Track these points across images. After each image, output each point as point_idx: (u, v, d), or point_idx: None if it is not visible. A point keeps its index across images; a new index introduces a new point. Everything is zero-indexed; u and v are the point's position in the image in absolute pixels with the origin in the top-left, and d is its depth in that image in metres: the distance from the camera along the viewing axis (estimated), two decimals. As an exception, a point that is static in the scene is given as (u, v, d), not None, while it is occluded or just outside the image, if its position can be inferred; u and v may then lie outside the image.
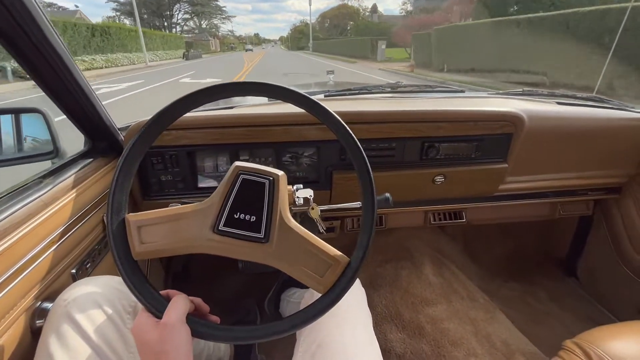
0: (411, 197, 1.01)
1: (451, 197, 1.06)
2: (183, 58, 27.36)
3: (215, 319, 0.49)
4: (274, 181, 0.44)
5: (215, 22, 70.11)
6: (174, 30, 51.07)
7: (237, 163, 0.45)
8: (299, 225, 0.45)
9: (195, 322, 0.43)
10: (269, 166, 0.47)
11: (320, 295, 0.45)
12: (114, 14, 49.86)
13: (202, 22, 64.84)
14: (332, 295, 0.44)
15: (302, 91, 0.49)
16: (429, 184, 0.97)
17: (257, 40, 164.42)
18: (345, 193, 0.94)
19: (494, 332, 1.04)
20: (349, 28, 52.80)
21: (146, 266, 0.99)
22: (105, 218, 0.74)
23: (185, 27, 57.08)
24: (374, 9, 55.00)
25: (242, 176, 0.44)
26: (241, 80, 0.48)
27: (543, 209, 1.28)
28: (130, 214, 0.44)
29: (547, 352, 1.01)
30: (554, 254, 1.57)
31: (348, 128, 0.49)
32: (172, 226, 0.44)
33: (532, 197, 1.15)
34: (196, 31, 60.14)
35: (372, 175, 0.48)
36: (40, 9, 0.52)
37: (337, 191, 0.93)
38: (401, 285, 1.19)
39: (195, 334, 0.42)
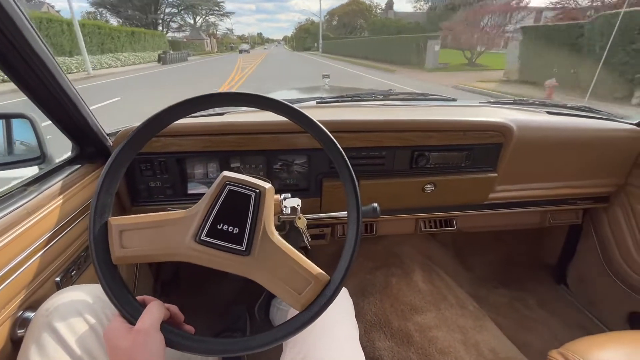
0: (401, 205, 1.02)
1: (441, 205, 1.06)
2: (159, 62, 21.41)
3: (189, 328, 0.48)
4: (260, 194, 0.44)
5: (212, 19, 60.93)
6: (161, 28, 41.56)
7: (225, 173, 0.45)
8: (282, 240, 0.45)
9: (169, 331, 0.43)
10: (259, 174, 0.47)
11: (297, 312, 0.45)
12: (94, 9, 38.79)
13: (196, 19, 55.19)
14: (309, 314, 0.43)
15: (286, 101, 0.49)
16: (419, 193, 0.97)
17: (260, 40, 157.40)
18: (335, 201, 0.94)
19: (482, 340, 1.04)
20: (358, 27, 48.29)
21: (134, 273, 0.98)
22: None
23: (173, 25, 46.34)
24: (390, 4, 47.21)
25: (228, 187, 0.44)
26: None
27: (533, 217, 1.29)
28: (113, 217, 0.44)
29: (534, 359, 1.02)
30: (544, 261, 1.58)
31: (334, 138, 0.49)
32: (154, 232, 0.44)
33: (522, 205, 1.16)
34: (185, 29, 50.38)
35: (358, 189, 0.48)
36: (21, 11, 0.52)
37: (327, 199, 0.93)
38: (391, 293, 1.19)
39: (168, 343, 0.42)
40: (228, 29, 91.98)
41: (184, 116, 0.48)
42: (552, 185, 1.12)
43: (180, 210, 0.45)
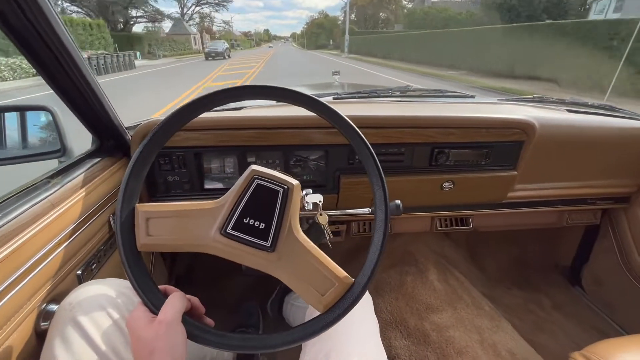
0: (418, 202, 1.00)
1: (459, 203, 1.05)
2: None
3: (209, 322, 0.48)
4: (288, 190, 0.43)
5: (205, 9, 47.11)
6: (121, 19, 27.74)
7: (254, 167, 0.44)
8: (307, 238, 0.44)
9: (190, 324, 0.42)
10: (276, 169, 0.46)
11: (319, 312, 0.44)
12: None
13: (183, 9, 40.93)
14: (331, 316, 0.42)
15: (314, 95, 0.48)
16: (436, 190, 0.96)
17: (267, 37, 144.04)
18: (352, 197, 0.93)
19: (499, 341, 1.03)
20: (381, 21, 39.98)
21: (150, 267, 0.98)
22: (111, 217, 0.73)
23: (132, 13, 29.25)
24: (428, -9, 35.92)
25: (257, 181, 0.43)
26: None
27: (550, 216, 1.27)
28: (140, 204, 0.43)
29: None
30: (558, 261, 1.56)
31: (362, 135, 0.48)
32: (181, 222, 0.43)
33: (540, 205, 1.14)
34: (158, 20, 33.14)
35: (386, 191, 0.47)
36: (52, 7, 0.52)
37: (345, 195, 0.92)
38: (406, 291, 1.17)
39: (189, 335, 0.41)
40: (225, 22, 72.17)
41: (215, 107, 0.48)
42: (572, 185, 1.10)
43: (208, 201, 0.44)
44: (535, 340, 1.15)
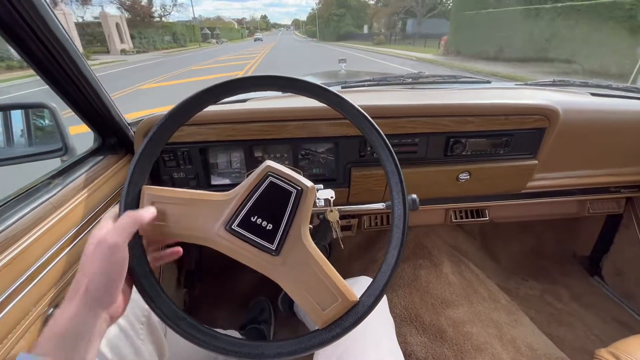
0: (433, 194, 0.96)
1: (475, 195, 1.00)
2: None
3: (173, 251, 0.47)
4: (301, 192, 0.40)
5: None
6: None
7: (269, 162, 0.41)
8: (315, 247, 0.41)
9: (182, 319, 0.39)
10: (284, 164, 0.43)
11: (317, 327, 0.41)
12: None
13: None
14: (329, 334, 0.39)
15: (323, 84, 0.45)
16: (452, 182, 0.92)
17: (265, 25, 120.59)
18: (364, 191, 0.89)
19: (518, 335, 0.99)
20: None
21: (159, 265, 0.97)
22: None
23: None
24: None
25: (270, 178, 0.40)
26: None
27: (571, 206, 1.22)
28: (148, 185, 0.41)
29: (572, 356, 0.97)
30: (576, 251, 1.51)
31: (379, 128, 0.45)
32: (186, 210, 0.41)
33: (561, 194, 1.09)
34: None
35: (406, 203, 0.43)
36: (44, 0, 0.49)
37: (356, 189, 0.89)
38: (420, 286, 1.14)
39: (182, 333, 0.38)
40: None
41: (222, 99, 0.45)
42: (595, 173, 1.04)
43: (218, 193, 0.42)
44: (554, 334, 1.12)
